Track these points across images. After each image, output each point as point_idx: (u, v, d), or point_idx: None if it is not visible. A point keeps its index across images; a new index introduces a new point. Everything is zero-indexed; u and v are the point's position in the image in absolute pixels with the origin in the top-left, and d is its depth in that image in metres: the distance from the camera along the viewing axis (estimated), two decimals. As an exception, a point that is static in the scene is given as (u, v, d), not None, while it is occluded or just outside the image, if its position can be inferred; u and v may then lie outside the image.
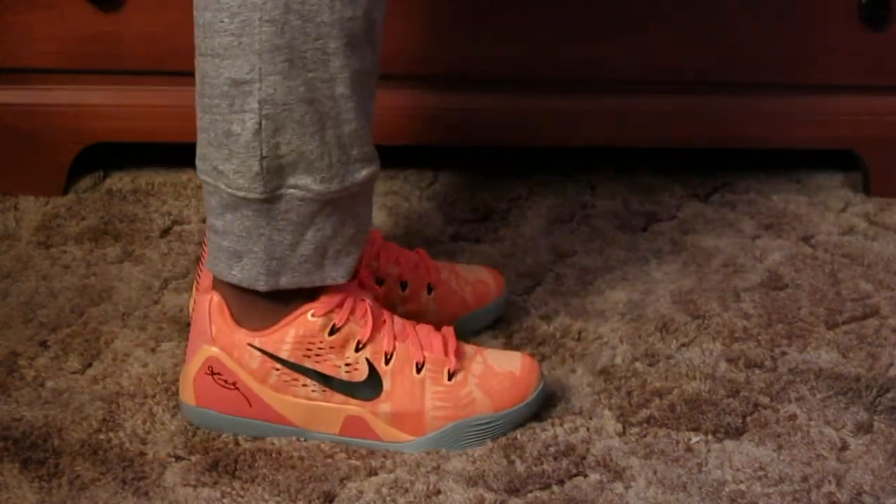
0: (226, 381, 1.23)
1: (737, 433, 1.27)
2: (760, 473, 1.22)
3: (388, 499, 1.18)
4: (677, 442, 1.26)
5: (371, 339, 1.23)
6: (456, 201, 1.65)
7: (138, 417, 1.26)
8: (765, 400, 1.32)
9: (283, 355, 1.22)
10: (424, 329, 1.27)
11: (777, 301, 1.48)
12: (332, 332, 1.22)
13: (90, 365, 1.34)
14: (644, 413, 1.29)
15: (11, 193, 1.62)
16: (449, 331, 1.27)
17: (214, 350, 1.22)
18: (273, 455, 1.22)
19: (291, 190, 1.16)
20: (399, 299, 1.37)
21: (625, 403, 1.31)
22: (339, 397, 1.23)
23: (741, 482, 1.22)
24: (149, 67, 1.59)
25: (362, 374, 1.23)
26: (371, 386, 1.23)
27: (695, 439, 1.26)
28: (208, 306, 1.22)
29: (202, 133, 1.17)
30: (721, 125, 1.67)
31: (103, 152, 1.67)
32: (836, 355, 1.39)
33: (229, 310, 1.22)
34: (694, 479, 1.22)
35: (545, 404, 1.29)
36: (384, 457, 1.23)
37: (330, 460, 1.22)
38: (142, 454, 1.22)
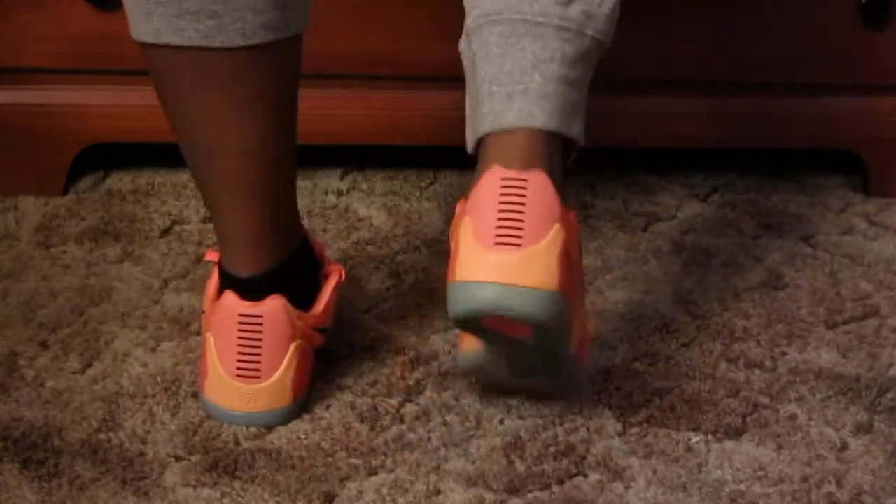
0: (571, 258, 1.13)
1: (737, 433, 1.27)
2: (760, 473, 1.23)
3: (387, 499, 1.18)
4: (677, 442, 1.26)
5: None
6: (456, 201, 1.65)
7: (138, 417, 1.26)
8: (765, 400, 1.32)
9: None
10: None
11: (777, 301, 1.48)
12: None
13: (90, 365, 1.34)
14: (644, 413, 1.29)
15: (11, 193, 1.62)
16: None
17: (562, 230, 1.11)
18: (273, 455, 1.22)
19: None
20: None
21: (625, 403, 1.30)
22: None
23: (741, 482, 1.22)
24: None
25: None
26: None
27: (695, 439, 1.26)
28: (550, 184, 1.09)
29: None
30: (721, 125, 1.67)
31: (103, 152, 1.67)
32: (836, 355, 1.39)
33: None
34: (694, 479, 1.22)
35: (545, 404, 1.29)
36: (384, 456, 1.23)
37: (330, 459, 1.22)
38: (142, 454, 1.22)
